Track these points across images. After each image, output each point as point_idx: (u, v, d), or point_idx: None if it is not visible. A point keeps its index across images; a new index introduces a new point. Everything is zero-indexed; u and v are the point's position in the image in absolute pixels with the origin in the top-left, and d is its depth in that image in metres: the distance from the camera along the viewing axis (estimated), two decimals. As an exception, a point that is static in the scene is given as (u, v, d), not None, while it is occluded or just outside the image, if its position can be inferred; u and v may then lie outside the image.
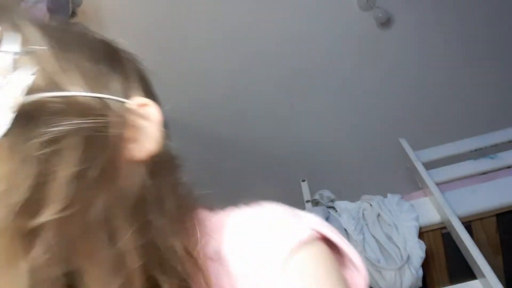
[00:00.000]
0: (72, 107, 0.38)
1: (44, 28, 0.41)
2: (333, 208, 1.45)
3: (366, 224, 1.35)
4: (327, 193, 1.48)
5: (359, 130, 1.94)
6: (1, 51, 0.37)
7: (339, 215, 1.39)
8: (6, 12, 0.40)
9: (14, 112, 0.35)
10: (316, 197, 1.49)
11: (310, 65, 1.86)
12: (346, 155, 1.96)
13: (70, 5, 1.49)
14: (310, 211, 1.41)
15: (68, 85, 0.39)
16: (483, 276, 1.07)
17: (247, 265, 0.44)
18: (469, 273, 1.15)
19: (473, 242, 1.15)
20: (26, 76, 0.37)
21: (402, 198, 1.43)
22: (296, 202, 1.55)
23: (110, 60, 0.49)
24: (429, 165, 1.54)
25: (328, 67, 1.86)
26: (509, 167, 1.48)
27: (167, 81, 1.89)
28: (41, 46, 0.39)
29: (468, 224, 1.33)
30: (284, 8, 1.78)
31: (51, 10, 1.33)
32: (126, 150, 0.42)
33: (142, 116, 0.45)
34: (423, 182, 1.45)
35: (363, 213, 1.38)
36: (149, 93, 0.51)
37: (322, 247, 0.44)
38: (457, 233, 1.20)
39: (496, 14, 1.78)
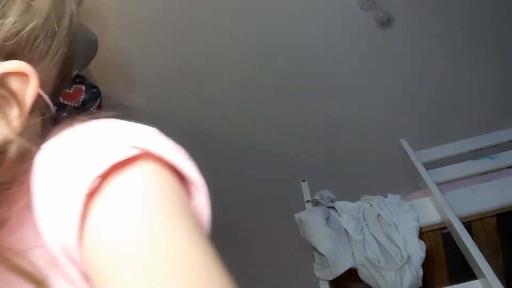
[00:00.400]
0: None
1: None
2: (333, 208, 1.45)
3: (366, 224, 1.35)
4: (327, 193, 1.48)
5: (359, 130, 1.94)
6: None
7: (339, 215, 1.39)
8: None
9: None
10: (316, 197, 1.49)
11: (310, 65, 1.86)
12: (346, 155, 1.96)
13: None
14: (310, 211, 1.41)
15: None
16: (483, 276, 1.07)
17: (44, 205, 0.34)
18: (469, 273, 1.15)
19: (473, 242, 1.15)
20: None
21: (402, 198, 1.43)
22: (296, 202, 1.55)
23: None
24: (429, 165, 1.54)
25: (328, 67, 1.86)
26: (509, 167, 1.48)
27: (166, 80, 1.89)
28: None
29: (468, 224, 1.33)
30: (284, 8, 1.78)
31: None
32: None
33: (7, 89, 0.36)
34: (423, 182, 1.45)
35: (363, 213, 1.38)
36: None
37: (149, 169, 0.35)
38: (457, 233, 1.20)
39: (496, 14, 1.78)
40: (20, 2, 0.36)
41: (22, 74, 0.36)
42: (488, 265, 1.08)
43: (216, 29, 1.81)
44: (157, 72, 1.87)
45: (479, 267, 1.08)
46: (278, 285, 2.08)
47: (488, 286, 1.05)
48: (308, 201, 1.51)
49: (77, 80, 1.46)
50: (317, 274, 1.28)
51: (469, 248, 1.13)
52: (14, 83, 0.36)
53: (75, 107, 1.43)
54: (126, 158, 0.33)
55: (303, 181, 1.61)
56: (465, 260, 1.18)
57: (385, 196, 1.45)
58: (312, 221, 1.34)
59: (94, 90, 1.47)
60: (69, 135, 0.37)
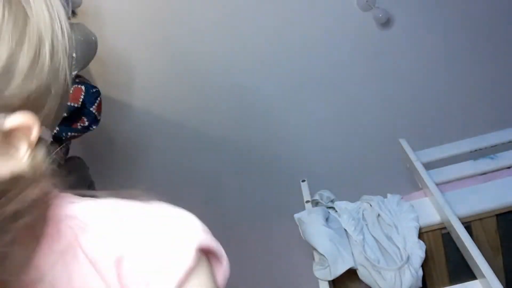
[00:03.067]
0: None
1: None
2: (333, 208, 1.44)
3: (366, 225, 1.35)
4: (327, 193, 1.48)
5: (359, 130, 1.94)
6: None
7: (339, 216, 1.39)
8: None
9: None
10: (316, 197, 1.49)
11: (309, 65, 1.86)
12: (346, 155, 1.97)
13: (70, 5, 1.49)
14: (310, 211, 1.41)
15: None
16: (483, 276, 1.07)
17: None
18: (469, 273, 1.15)
19: (473, 242, 1.15)
20: None
21: (402, 198, 1.43)
22: (296, 202, 1.55)
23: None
24: (429, 165, 1.53)
25: (328, 67, 1.86)
26: (509, 167, 1.47)
27: (166, 81, 1.89)
28: None
29: (468, 224, 1.33)
30: (284, 8, 1.78)
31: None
32: None
33: (14, 137, 0.40)
34: (423, 182, 1.45)
35: (363, 213, 1.38)
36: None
37: (205, 270, 0.45)
38: (457, 233, 1.20)
39: (496, 14, 1.78)
40: (27, 64, 0.40)
41: (28, 125, 0.40)
42: (488, 265, 1.08)
43: (216, 29, 1.81)
44: (157, 72, 1.87)
45: (479, 267, 1.08)
46: (278, 285, 2.08)
47: (488, 286, 1.05)
48: (307, 201, 1.51)
49: (77, 80, 1.46)
50: (316, 274, 1.28)
51: (469, 248, 1.13)
52: (22, 132, 0.40)
53: (75, 108, 1.42)
54: (194, 261, 0.43)
55: (303, 181, 1.61)
56: (465, 260, 1.18)
57: (385, 196, 1.44)
58: (311, 221, 1.34)
59: (94, 90, 1.46)
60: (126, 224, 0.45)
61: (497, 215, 1.35)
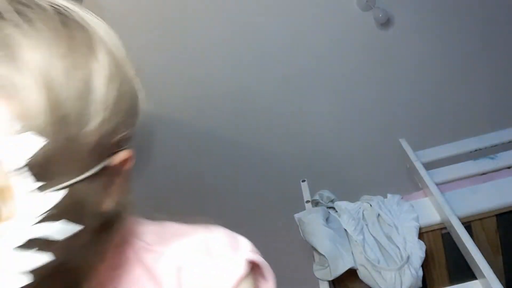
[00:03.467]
0: None
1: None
2: (333, 208, 1.44)
3: (366, 225, 1.35)
4: (327, 193, 1.48)
5: (359, 130, 1.94)
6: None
7: (339, 216, 1.39)
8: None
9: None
10: (316, 197, 1.49)
11: (310, 65, 1.86)
12: (346, 156, 1.97)
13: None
14: (310, 211, 1.41)
15: None
16: (483, 276, 1.07)
17: None
18: (469, 273, 1.15)
19: (473, 242, 1.15)
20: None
21: (402, 198, 1.43)
22: (296, 202, 1.55)
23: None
24: (429, 165, 1.54)
25: (328, 67, 1.86)
26: (509, 167, 1.47)
27: (167, 80, 1.89)
28: None
29: (468, 224, 1.33)
30: (284, 8, 1.78)
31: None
32: (100, 201, 0.43)
33: (118, 172, 0.45)
34: (423, 182, 1.45)
35: (363, 214, 1.38)
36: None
37: (251, 281, 0.51)
38: (457, 233, 1.20)
39: (496, 15, 1.78)
40: (127, 106, 0.45)
41: (128, 158, 0.46)
42: (488, 265, 1.07)
43: (216, 29, 1.81)
44: (157, 72, 1.87)
45: (479, 267, 1.08)
46: (278, 285, 2.07)
47: (488, 286, 1.05)
48: (308, 201, 1.51)
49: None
50: (317, 274, 1.28)
51: (469, 248, 1.13)
52: (122, 168, 0.46)
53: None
54: (245, 272, 0.49)
55: (303, 181, 1.61)
56: (465, 260, 1.18)
57: (385, 196, 1.44)
58: (312, 221, 1.34)
59: (94, 90, 1.46)
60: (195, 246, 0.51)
61: (497, 215, 1.35)
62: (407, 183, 1.69)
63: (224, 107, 1.92)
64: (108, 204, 0.43)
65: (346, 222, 1.35)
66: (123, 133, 0.44)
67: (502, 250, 1.37)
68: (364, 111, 1.91)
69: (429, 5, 1.77)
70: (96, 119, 0.39)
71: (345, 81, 1.88)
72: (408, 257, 1.23)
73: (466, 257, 1.18)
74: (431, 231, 1.36)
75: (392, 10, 1.74)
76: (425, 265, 1.27)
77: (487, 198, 1.37)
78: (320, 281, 1.27)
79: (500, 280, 1.04)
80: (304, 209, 1.46)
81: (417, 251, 1.24)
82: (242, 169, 2.01)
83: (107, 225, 0.44)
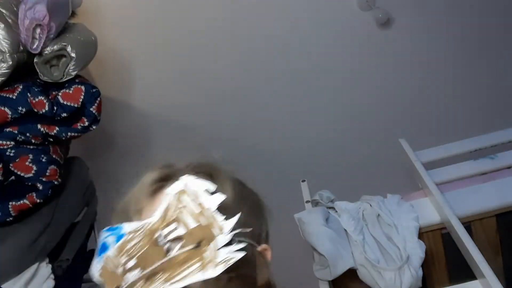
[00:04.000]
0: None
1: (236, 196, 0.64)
2: (333, 208, 1.44)
3: (366, 225, 1.35)
4: (327, 193, 1.48)
5: (359, 130, 1.94)
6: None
7: (339, 216, 1.39)
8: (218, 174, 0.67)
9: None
10: (316, 197, 1.49)
11: (310, 65, 1.86)
12: (346, 155, 1.97)
13: (70, 5, 1.49)
14: (310, 211, 1.41)
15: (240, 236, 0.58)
16: (483, 276, 1.07)
17: None
18: (469, 273, 1.15)
19: (473, 242, 1.15)
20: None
21: (402, 198, 1.43)
22: (296, 202, 1.55)
23: (259, 215, 0.71)
24: (429, 165, 1.53)
25: (328, 67, 1.86)
26: (509, 167, 1.47)
27: (167, 80, 1.89)
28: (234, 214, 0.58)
29: (468, 224, 1.33)
30: (284, 8, 1.78)
31: (50, 11, 1.33)
32: (255, 276, 0.61)
33: (263, 257, 0.63)
34: (423, 183, 1.45)
35: (363, 214, 1.38)
36: (268, 238, 0.69)
37: None
38: (457, 233, 1.20)
39: (496, 15, 1.78)
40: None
41: (267, 249, 0.65)
42: (488, 265, 1.07)
43: (216, 29, 1.81)
44: (157, 72, 1.87)
45: (479, 267, 1.08)
46: (278, 285, 2.07)
47: (488, 286, 1.05)
48: (307, 201, 1.51)
49: (77, 80, 1.46)
50: (316, 274, 1.28)
51: (468, 248, 1.13)
52: (265, 254, 0.65)
53: (75, 108, 1.43)
54: None
55: (303, 181, 1.61)
56: (465, 260, 1.18)
57: (385, 196, 1.44)
58: (311, 221, 1.33)
59: (94, 90, 1.46)
60: None
61: (497, 215, 1.35)
62: (407, 183, 1.69)
63: (224, 107, 1.92)
64: (257, 279, 0.62)
65: (346, 222, 1.35)
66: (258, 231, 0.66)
67: (502, 250, 1.37)
68: (364, 111, 1.91)
69: (429, 5, 1.77)
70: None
71: (345, 81, 1.88)
72: (408, 257, 1.22)
73: (466, 257, 1.18)
74: (431, 231, 1.36)
75: (392, 10, 1.74)
76: (425, 265, 1.27)
77: (487, 198, 1.37)
78: (320, 281, 1.27)
79: (500, 280, 1.04)
80: (304, 209, 1.46)
81: (417, 251, 1.24)
82: (242, 169, 2.01)
83: None
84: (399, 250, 1.24)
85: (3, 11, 1.34)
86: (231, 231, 0.57)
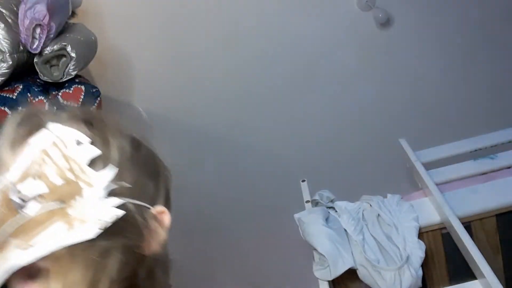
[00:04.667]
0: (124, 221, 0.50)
1: (123, 150, 0.55)
2: (333, 208, 1.44)
3: (366, 225, 1.35)
4: (327, 193, 1.48)
5: (359, 130, 1.94)
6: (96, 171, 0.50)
7: (339, 216, 1.39)
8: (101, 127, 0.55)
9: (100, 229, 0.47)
10: (316, 197, 1.49)
11: (310, 66, 1.86)
12: (346, 155, 1.97)
13: (70, 5, 1.49)
14: (310, 211, 1.41)
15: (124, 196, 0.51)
16: (483, 276, 1.07)
17: None
18: (469, 273, 1.15)
19: (473, 242, 1.15)
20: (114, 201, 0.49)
21: (401, 198, 1.43)
22: (296, 202, 1.55)
23: (154, 174, 0.59)
24: (429, 165, 1.53)
25: (328, 68, 1.86)
26: (509, 167, 1.47)
27: (166, 80, 1.89)
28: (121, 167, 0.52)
29: (468, 224, 1.33)
30: (284, 8, 1.78)
31: (50, 11, 1.33)
32: (142, 244, 0.53)
33: (158, 221, 0.55)
34: (422, 182, 1.45)
35: (363, 213, 1.38)
36: (168, 201, 0.60)
37: None
38: (457, 233, 1.20)
39: (495, 15, 1.78)
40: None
41: (163, 212, 0.56)
42: (488, 265, 1.07)
43: (216, 29, 1.81)
44: (157, 72, 1.87)
45: (479, 267, 1.08)
46: (278, 285, 2.08)
47: (488, 286, 1.05)
48: (307, 201, 1.51)
49: (77, 80, 1.46)
50: (316, 274, 1.28)
51: (468, 248, 1.13)
52: (160, 217, 0.56)
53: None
54: None
55: (303, 181, 1.61)
56: (465, 260, 1.18)
57: (385, 196, 1.44)
58: (311, 221, 1.34)
59: (94, 90, 1.47)
60: None
61: (497, 215, 1.35)
62: (407, 183, 1.69)
63: (224, 107, 1.92)
64: (149, 246, 0.53)
65: (346, 222, 1.35)
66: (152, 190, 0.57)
67: (502, 250, 1.37)
68: (364, 111, 1.91)
69: (429, 5, 1.77)
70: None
71: (345, 81, 1.88)
72: (408, 257, 1.23)
73: (466, 257, 1.18)
74: (431, 231, 1.36)
75: (392, 10, 1.74)
76: (425, 265, 1.27)
77: (487, 198, 1.37)
78: (320, 281, 1.27)
79: (500, 280, 1.04)
80: (304, 209, 1.46)
81: (417, 251, 1.24)
82: (242, 169, 2.01)
83: (150, 273, 0.54)
84: (399, 250, 1.24)
85: (3, 11, 1.34)
86: (108, 188, 0.49)
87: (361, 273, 1.26)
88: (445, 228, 1.34)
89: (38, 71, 1.41)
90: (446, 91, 1.87)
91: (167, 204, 0.59)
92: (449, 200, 1.33)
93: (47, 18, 1.32)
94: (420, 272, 1.23)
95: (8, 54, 1.31)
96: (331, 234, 1.29)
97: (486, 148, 1.57)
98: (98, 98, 1.47)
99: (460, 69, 1.84)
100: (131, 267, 0.50)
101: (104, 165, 0.50)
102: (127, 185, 0.51)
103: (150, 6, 1.78)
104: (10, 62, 1.32)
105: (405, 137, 1.66)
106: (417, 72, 1.86)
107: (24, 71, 1.42)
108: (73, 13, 1.56)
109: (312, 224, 1.32)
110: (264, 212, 2.03)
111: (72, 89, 1.43)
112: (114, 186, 0.49)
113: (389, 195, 1.44)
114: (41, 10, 1.31)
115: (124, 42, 1.81)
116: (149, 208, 0.54)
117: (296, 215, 1.41)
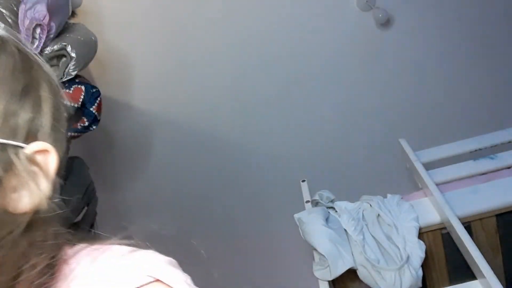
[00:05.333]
0: None
1: None
2: (333, 208, 1.44)
3: (366, 225, 1.35)
4: (327, 194, 1.48)
5: (359, 130, 1.94)
6: None
7: (339, 216, 1.39)
8: None
9: None
10: (316, 197, 1.49)
11: (310, 66, 1.86)
12: (346, 155, 1.96)
13: (70, 5, 1.49)
14: (310, 211, 1.41)
15: None
16: (483, 276, 1.07)
17: None
18: (469, 274, 1.15)
19: (473, 242, 1.15)
20: None
21: (402, 198, 1.43)
22: (296, 202, 1.55)
23: (29, 93, 0.44)
24: (429, 166, 1.53)
25: (328, 68, 1.86)
26: (509, 167, 1.47)
27: (166, 80, 1.89)
28: None
29: (468, 224, 1.33)
30: (284, 9, 1.78)
31: (50, 11, 1.33)
32: (7, 199, 0.40)
33: (36, 164, 0.43)
34: (422, 183, 1.45)
35: (363, 214, 1.38)
36: (57, 131, 0.46)
37: None
38: (457, 233, 1.20)
39: (495, 15, 1.78)
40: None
41: (45, 151, 0.43)
42: (488, 265, 1.07)
43: (216, 30, 1.81)
44: (157, 72, 1.87)
45: (479, 267, 1.08)
46: (278, 285, 2.07)
47: (488, 286, 1.05)
48: (307, 201, 1.51)
49: (77, 80, 1.46)
50: (316, 274, 1.28)
51: (468, 248, 1.13)
52: (40, 159, 0.43)
53: (75, 108, 1.43)
54: (143, 284, 0.45)
55: (303, 181, 1.61)
56: (465, 260, 1.18)
57: (385, 196, 1.44)
58: (311, 222, 1.34)
59: (94, 90, 1.46)
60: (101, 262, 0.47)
61: (497, 215, 1.35)
62: (407, 183, 1.69)
63: (224, 107, 1.92)
64: (25, 199, 0.42)
65: (346, 222, 1.35)
66: (28, 121, 0.43)
67: (502, 250, 1.37)
68: (364, 111, 1.91)
69: (429, 5, 1.77)
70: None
71: (345, 81, 1.88)
72: (408, 257, 1.23)
73: (466, 257, 1.18)
74: (431, 231, 1.36)
75: (392, 10, 1.74)
76: (425, 265, 1.27)
77: (487, 198, 1.37)
78: (320, 281, 1.27)
79: (500, 280, 1.04)
80: (304, 209, 1.46)
81: (417, 251, 1.24)
82: (242, 169, 2.01)
83: (27, 227, 0.42)
84: (399, 250, 1.25)
85: (3, 11, 1.34)
86: None
87: (361, 273, 1.26)
88: (445, 228, 1.34)
89: (38, 71, 1.41)
90: (446, 91, 1.87)
91: (56, 138, 0.45)
92: (449, 200, 1.33)
93: (47, 18, 1.32)
94: (420, 272, 1.23)
95: (8, 54, 1.31)
96: (331, 234, 1.29)
97: (486, 148, 1.57)
98: (98, 98, 1.47)
99: (460, 69, 1.84)
100: None
101: None
102: None
103: (150, 6, 1.78)
104: (10, 62, 1.32)
105: (405, 137, 1.66)
106: (417, 72, 1.86)
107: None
108: (73, 13, 1.56)
109: (312, 224, 1.33)
110: (264, 212, 2.03)
111: (72, 89, 1.43)
112: None
113: (389, 195, 1.44)
114: (41, 10, 1.31)
115: (124, 42, 1.81)
116: (21, 147, 0.41)
117: (296, 215, 1.41)
